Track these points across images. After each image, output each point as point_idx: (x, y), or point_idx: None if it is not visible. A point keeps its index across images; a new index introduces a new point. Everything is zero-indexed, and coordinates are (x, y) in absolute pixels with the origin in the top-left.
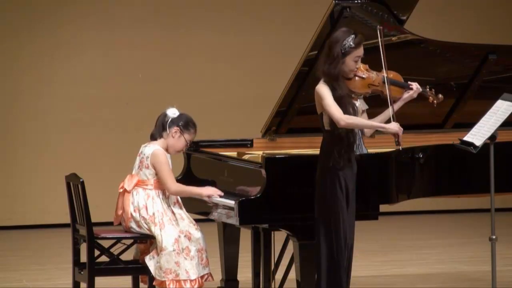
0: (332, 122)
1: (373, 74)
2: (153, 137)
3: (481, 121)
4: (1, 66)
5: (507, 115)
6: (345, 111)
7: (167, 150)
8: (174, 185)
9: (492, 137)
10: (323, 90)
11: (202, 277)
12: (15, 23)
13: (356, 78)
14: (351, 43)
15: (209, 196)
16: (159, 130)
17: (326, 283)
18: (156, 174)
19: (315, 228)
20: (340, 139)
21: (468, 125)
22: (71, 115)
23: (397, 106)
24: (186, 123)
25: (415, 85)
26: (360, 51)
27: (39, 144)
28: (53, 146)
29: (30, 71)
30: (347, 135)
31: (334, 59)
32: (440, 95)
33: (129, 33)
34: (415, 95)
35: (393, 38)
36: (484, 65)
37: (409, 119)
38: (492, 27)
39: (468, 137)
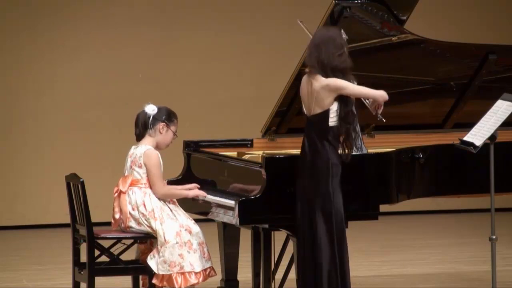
0: (342, 119)
1: None
2: (139, 138)
3: (481, 121)
4: (1, 66)
5: (507, 115)
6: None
7: (157, 147)
8: (161, 189)
9: (492, 137)
10: (339, 80)
11: (205, 270)
12: (15, 23)
13: None
14: (346, 37)
15: (196, 197)
16: (142, 129)
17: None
18: (146, 173)
19: (317, 231)
20: (348, 134)
21: (468, 125)
22: (71, 115)
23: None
24: (169, 116)
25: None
26: None
27: (39, 144)
28: (53, 146)
29: (30, 71)
30: (354, 128)
31: (344, 51)
32: (383, 119)
33: (129, 33)
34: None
35: (393, 38)
36: (484, 65)
37: (409, 119)
38: (492, 27)
39: (468, 137)
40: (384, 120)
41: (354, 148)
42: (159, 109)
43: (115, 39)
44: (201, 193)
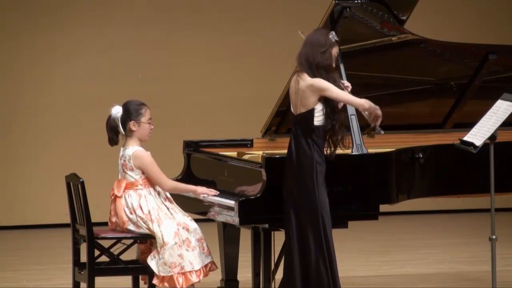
0: (326, 116)
1: None
2: (113, 142)
3: (481, 121)
4: (1, 66)
5: (507, 115)
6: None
7: (140, 141)
8: (168, 182)
9: (492, 137)
10: (324, 81)
11: (205, 266)
12: (15, 23)
13: None
14: (336, 37)
15: (203, 194)
16: (113, 135)
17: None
18: (144, 174)
19: (303, 230)
20: (333, 131)
21: (468, 125)
22: (71, 115)
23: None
24: (135, 112)
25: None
26: (338, 49)
27: (39, 144)
28: (53, 146)
29: (30, 71)
30: (340, 126)
31: (327, 48)
32: (381, 132)
33: (129, 33)
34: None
35: (393, 38)
36: (484, 65)
37: (409, 119)
38: (492, 27)
39: (468, 137)
40: (383, 133)
41: (341, 146)
42: (123, 107)
43: (115, 39)
44: (210, 191)
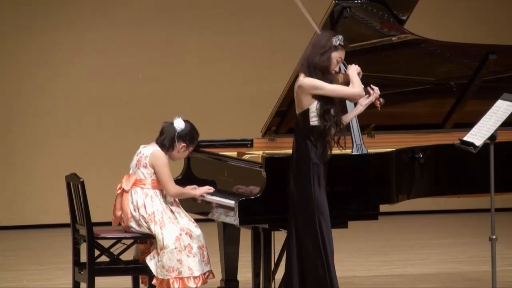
0: (320, 117)
1: (341, 75)
2: (163, 147)
3: (481, 121)
4: (1, 66)
5: (507, 115)
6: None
7: (168, 156)
8: (173, 188)
9: (492, 137)
10: (314, 80)
11: (204, 274)
12: (15, 23)
13: None
14: (342, 42)
15: (201, 195)
16: (169, 142)
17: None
18: (155, 174)
19: (300, 230)
20: (328, 132)
21: (468, 125)
22: (71, 115)
23: (358, 111)
24: (192, 138)
25: (375, 90)
26: (343, 54)
27: (39, 144)
28: (53, 146)
29: (30, 71)
30: (335, 127)
31: (326, 50)
32: (382, 99)
33: (129, 33)
34: (373, 99)
35: (393, 38)
36: (484, 65)
37: (409, 119)
38: (492, 27)
39: (468, 137)
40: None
41: (338, 146)
42: (185, 126)
43: (115, 39)
44: (206, 189)
